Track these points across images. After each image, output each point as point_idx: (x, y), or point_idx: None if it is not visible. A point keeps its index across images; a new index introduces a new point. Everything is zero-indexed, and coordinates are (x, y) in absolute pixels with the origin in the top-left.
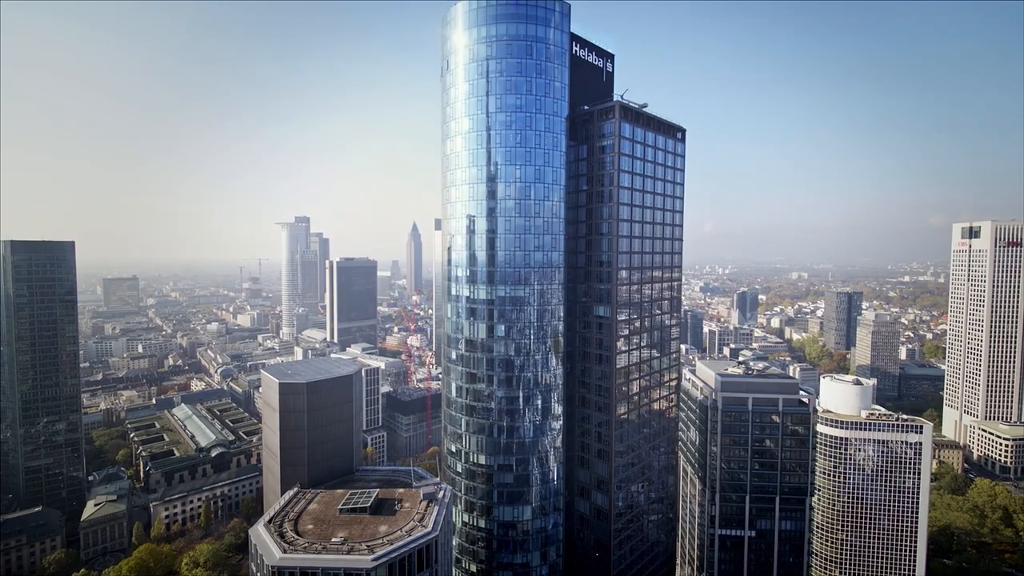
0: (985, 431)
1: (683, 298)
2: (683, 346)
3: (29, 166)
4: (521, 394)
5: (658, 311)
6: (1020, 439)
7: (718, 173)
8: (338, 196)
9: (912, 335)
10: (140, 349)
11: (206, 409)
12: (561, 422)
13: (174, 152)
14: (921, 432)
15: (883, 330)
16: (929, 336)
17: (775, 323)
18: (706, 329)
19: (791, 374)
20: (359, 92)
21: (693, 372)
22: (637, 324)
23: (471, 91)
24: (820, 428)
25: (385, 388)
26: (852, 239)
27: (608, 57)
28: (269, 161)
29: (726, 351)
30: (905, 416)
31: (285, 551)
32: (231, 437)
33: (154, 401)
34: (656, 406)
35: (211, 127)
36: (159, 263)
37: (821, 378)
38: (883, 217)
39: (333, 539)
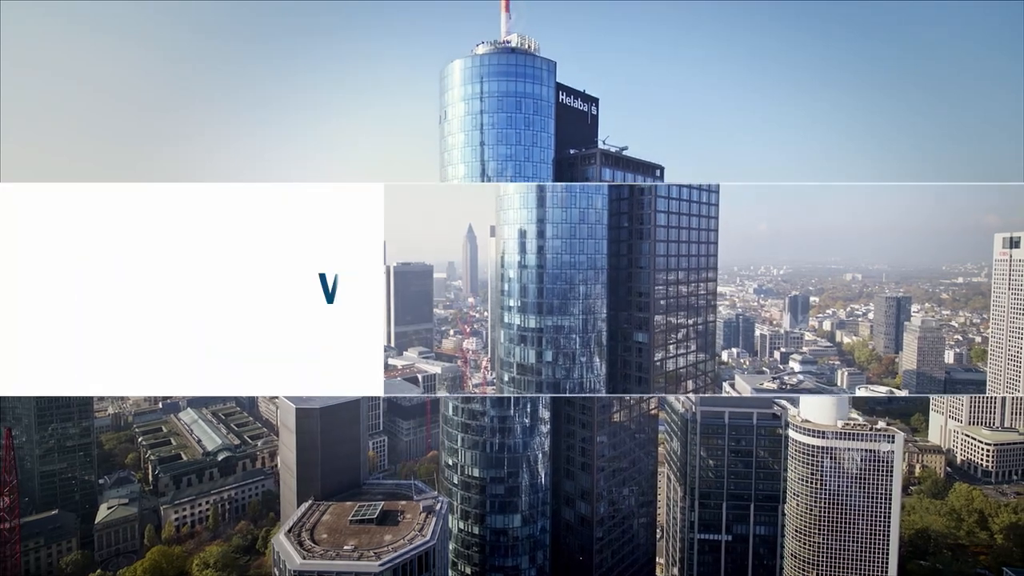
0: (968, 436)
1: (736, 300)
2: (734, 350)
3: (28, 166)
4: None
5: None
6: (1001, 444)
7: (770, 173)
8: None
9: (961, 339)
10: None
11: (212, 413)
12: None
13: (185, 151)
14: (893, 441)
15: (929, 335)
16: (978, 340)
17: (826, 326)
18: (757, 332)
19: (838, 379)
20: (399, 86)
21: (732, 385)
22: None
23: (467, 141)
24: (798, 437)
25: (442, 393)
26: (907, 240)
27: (592, 101)
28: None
29: (776, 355)
30: (879, 426)
31: (304, 557)
32: (236, 441)
33: (160, 405)
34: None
35: (233, 125)
36: None
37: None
38: (939, 217)
39: (345, 547)
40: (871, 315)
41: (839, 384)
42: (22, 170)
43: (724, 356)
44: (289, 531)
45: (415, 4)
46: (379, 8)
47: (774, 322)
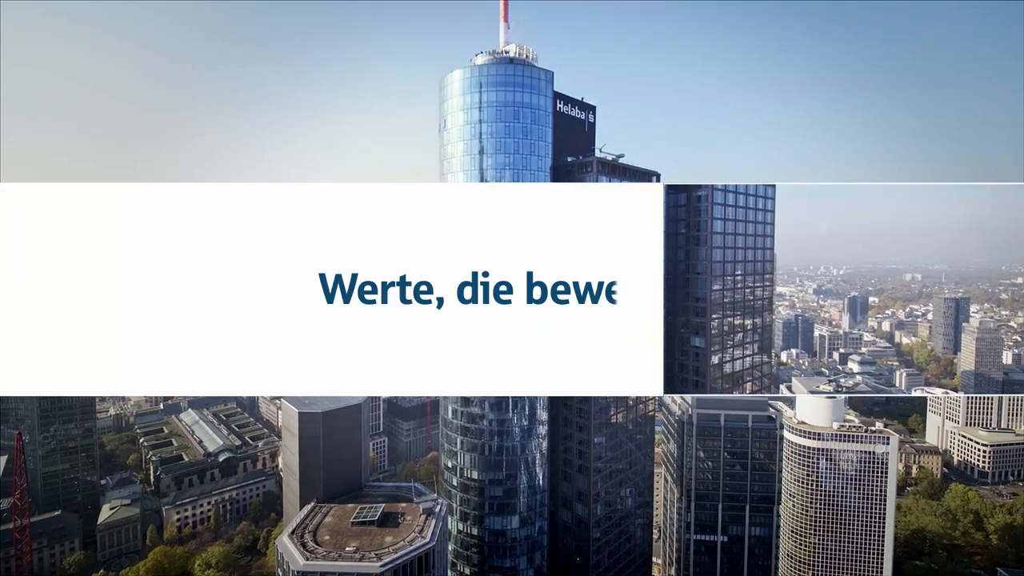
0: (965, 436)
1: (795, 300)
2: (793, 350)
3: (28, 166)
4: None
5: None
6: (998, 444)
7: (771, 173)
8: None
9: (1019, 339)
10: None
11: (212, 414)
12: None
13: (187, 151)
14: (888, 443)
15: (987, 336)
16: None
17: (885, 327)
18: (816, 333)
19: (896, 380)
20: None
21: (789, 387)
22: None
23: (466, 149)
24: (794, 439)
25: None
26: (967, 239)
27: (590, 109)
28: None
29: (835, 356)
30: (876, 427)
31: (307, 559)
32: (237, 442)
33: (161, 406)
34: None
35: (233, 125)
36: None
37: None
38: (999, 216)
39: (347, 548)
40: (930, 316)
41: (897, 385)
42: (22, 170)
43: (783, 357)
44: (292, 533)
45: (415, 5)
46: (379, 9)
47: (833, 323)
